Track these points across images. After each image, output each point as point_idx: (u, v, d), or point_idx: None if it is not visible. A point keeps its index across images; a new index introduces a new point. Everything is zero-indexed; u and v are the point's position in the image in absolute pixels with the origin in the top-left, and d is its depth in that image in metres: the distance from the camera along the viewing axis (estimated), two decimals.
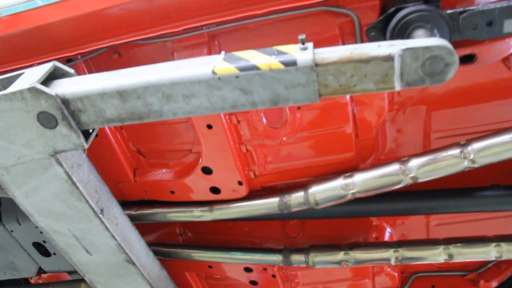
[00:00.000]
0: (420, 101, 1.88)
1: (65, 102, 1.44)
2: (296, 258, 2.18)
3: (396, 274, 2.49)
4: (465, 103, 1.88)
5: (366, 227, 2.29)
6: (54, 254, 2.49)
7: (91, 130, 1.60)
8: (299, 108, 1.74)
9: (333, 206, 2.07)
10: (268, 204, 1.96)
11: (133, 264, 2.06)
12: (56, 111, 1.45)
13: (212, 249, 2.31)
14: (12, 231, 2.42)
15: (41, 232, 2.36)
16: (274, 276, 2.42)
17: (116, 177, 2.08)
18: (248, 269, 2.42)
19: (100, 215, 1.85)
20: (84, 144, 1.53)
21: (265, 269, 2.39)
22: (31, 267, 2.64)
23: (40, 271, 2.68)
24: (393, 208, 2.07)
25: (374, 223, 2.30)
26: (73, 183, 1.73)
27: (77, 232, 1.94)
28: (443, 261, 2.09)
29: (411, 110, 1.91)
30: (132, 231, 2.07)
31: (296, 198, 1.92)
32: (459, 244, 2.08)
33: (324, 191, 1.87)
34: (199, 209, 2.07)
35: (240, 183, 1.95)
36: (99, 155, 1.97)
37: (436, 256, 2.08)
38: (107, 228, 1.90)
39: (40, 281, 3.00)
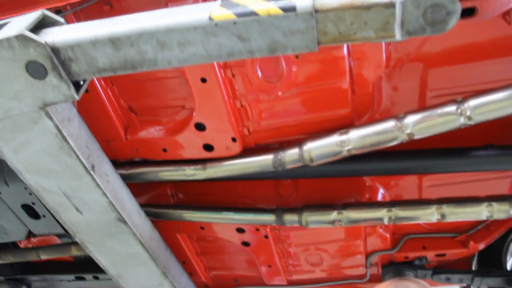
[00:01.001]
0: (417, 58, 1.86)
1: (55, 50, 1.38)
2: (289, 218, 2.17)
3: (388, 235, 2.50)
4: (463, 61, 1.86)
5: (359, 188, 2.29)
6: (44, 216, 2.45)
7: (82, 82, 1.55)
8: (297, 57, 1.70)
9: (328, 165, 2.06)
10: (262, 161, 1.94)
11: (125, 222, 2.03)
12: (46, 61, 1.40)
13: (204, 209, 2.28)
14: (0, 193, 2.37)
15: (30, 194, 2.31)
16: (266, 236, 2.41)
17: (107, 135, 2.04)
18: (240, 230, 2.41)
19: (91, 172, 1.82)
20: (75, 95, 1.49)
21: (257, 230, 2.38)
22: (20, 230, 2.59)
23: (30, 234, 2.64)
24: (387, 167, 2.06)
25: (367, 183, 2.29)
26: (63, 137, 1.68)
27: (67, 189, 1.90)
28: (435, 220, 2.09)
29: (408, 67, 1.88)
30: (124, 190, 2.03)
31: (290, 155, 1.90)
32: (451, 204, 2.09)
33: (319, 148, 1.85)
34: (192, 167, 2.04)
35: (233, 139, 1.92)
36: (90, 113, 1.92)
37: (429, 215, 2.09)
38: (98, 185, 1.86)
39: (30, 246, 2.96)
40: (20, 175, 1.86)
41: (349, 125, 1.91)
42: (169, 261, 2.39)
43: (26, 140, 1.71)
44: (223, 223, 2.35)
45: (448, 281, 2.62)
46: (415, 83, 1.94)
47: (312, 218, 2.14)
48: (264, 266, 2.66)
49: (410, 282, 2.09)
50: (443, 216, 2.09)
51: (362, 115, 1.96)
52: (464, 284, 2.90)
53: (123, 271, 2.35)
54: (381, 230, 2.47)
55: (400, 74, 1.91)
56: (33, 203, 2.39)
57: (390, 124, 1.80)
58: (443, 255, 2.60)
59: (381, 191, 2.31)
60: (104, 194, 1.90)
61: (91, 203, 1.95)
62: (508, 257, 2.83)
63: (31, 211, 2.47)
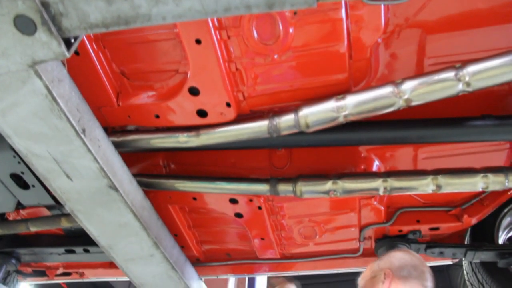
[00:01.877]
0: (415, 23, 1.82)
1: (44, 4, 1.33)
2: (283, 187, 2.14)
3: (382, 208, 2.49)
4: (462, 27, 1.83)
5: (355, 158, 2.26)
6: (33, 186, 2.39)
7: (73, 40, 1.49)
8: (295, 13, 1.65)
9: (323, 134, 2.03)
10: (257, 127, 1.90)
11: (116, 190, 1.99)
12: (35, 15, 1.34)
13: (196, 179, 2.25)
14: None
15: (19, 163, 2.26)
16: (260, 208, 2.38)
17: (98, 101, 1.98)
18: (233, 201, 2.37)
19: (82, 135, 1.77)
20: (66, 53, 1.43)
21: (251, 200, 2.35)
22: (9, 201, 2.54)
23: (19, 206, 2.59)
24: (383, 136, 2.04)
25: (362, 155, 2.27)
26: (54, 98, 1.63)
27: (57, 155, 1.85)
28: (431, 191, 2.08)
29: (406, 33, 1.85)
30: (115, 156, 1.99)
31: (286, 120, 1.86)
32: (447, 175, 2.07)
33: (315, 113, 1.82)
34: (185, 134, 2.00)
35: (228, 104, 1.88)
36: (81, 77, 1.85)
37: (425, 186, 2.08)
38: (89, 149, 1.81)
39: (19, 218, 2.91)
40: (9, 140, 1.81)
41: (345, 91, 1.87)
42: (161, 232, 2.36)
43: (14, 102, 1.65)
44: (216, 193, 2.32)
45: (441, 255, 2.61)
46: (413, 50, 1.91)
47: (306, 188, 2.11)
48: (257, 238, 2.64)
49: (398, 251, 2.09)
50: (438, 187, 2.07)
51: (359, 81, 1.93)
52: (457, 260, 2.92)
53: (114, 242, 2.31)
54: (375, 202, 2.45)
55: (398, 40, 1.87)
56: (22, 173, 2.33)
57: (387, 89, 1.77)
58: (437, 228, 2.59)
59: (376, 162, 2.29)
60: (95, 159, 1.85)
61: (81, 169, 1.91)
62: (500, 233, 2.84)
63: (20, 181, 2.41)
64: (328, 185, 2.09)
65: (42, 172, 1.95)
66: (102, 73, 1.92)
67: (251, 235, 2.62)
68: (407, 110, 2.08)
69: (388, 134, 2.04)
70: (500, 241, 2.85)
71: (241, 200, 2.36)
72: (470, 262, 2.89)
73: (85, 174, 1.93)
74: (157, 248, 2.32)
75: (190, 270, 2.72)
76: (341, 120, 1.82)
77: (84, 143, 1.79)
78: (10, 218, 2.91)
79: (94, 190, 2.01)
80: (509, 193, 2.57)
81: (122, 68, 1.96)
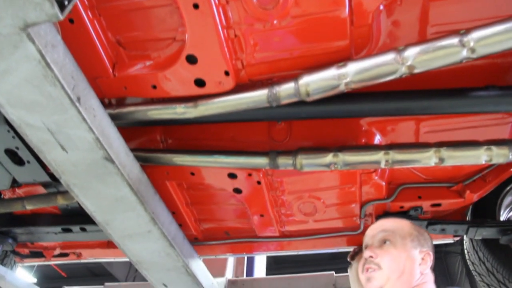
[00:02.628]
0: None
1: None
2: (283, 160, 2.10)
3: (384, 184, 2.45)
4: None
5: (355, 132, 2.22)
6: (28, 162, 2.35)
7: (66, 2, 1.45)
8: None
9: (324, 105, 2.00)
10: (256, 96, 1.85)
11: (112, 162, 1.94)
12: None
13: (195, 153, 2.20)
14: None
15: (13, 137, 2.21)
16: (259, 182, 2.34)
17: (93, 71, 1.94)
18: (232, 175, 2.33)
19: (77, 104, 1.72)
20: (59, 14, 1.38)
21: (250, 175, 2.30)
22: (4, 178, 2.49)
23: (14, 184, 2.56)
24: (386, 107, 2.00)
25: (363, 128, 2.22)
26: (47, 64, 1.58)
27: (51, 124, 1.81)
28: (433, 164, 2.04)
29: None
30: (111, 127, 1.94)
31: (286, 89, 1.81)
32: (450, 147, 2.03)
33: (316, 81, 1.77)
34: (183, 105, 1.95)
35: (226, 73, 1.83)
36: (76, 46, 1.81)
37: (427, 159, 2.04)
38: (84, 119, 1.77)
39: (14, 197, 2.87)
40: (2, 109, 1.77)
41: (346, 59, 1.82)
42: (158, 207, 2.32)
43: (6, 68, 1.60)
44: (214, 167, 2.27)
45: (443, 232, 2.58)
46: (416, 17, 1.86)
47: (307, 161, 2.07)
48: (256, 215, 2.60)
49: (404, 220, 2.08)
50: (441, 159, 2.03)
51: (361, 49, 1.88)
52: (458, 238, 2.89)
53: (111, 217, 2.27)
54: (376, 177, 2.41)
55: (400, 7, 1.82)
56: (17, 148, 2.28)
57: (389, 56, 1.73)
58: (439, 205, 2.55)
59: (378, 136, 2.25)
60: (91, 129, 1.81)
61: (76, 140, 1.86)
62: (502, 211, 2.81)
63: (15, 157, 2.37)
64: (329, 157, 2.05)
65: (36, 144, 1.91)
66: (97, 42, 1.88)
67: (250, 212, 2.58)
68: (410, 82, 2.06)
69: (390, 105, 2.00)
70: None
71: (240, 175, 2.31)
72: (472, 241, 2.86)
73: (80, 145, 1.89)
74: (155, 224, 2.28)
75: (189, 248, 2.68)
76: (342, 88, 1.78)
77: (79, 112, 1.74)
78: (6, 197, 2.88)
79: (89, 162, 1.97)
80: (510, 170, 2.54)
81: (118, 37, 1.91)
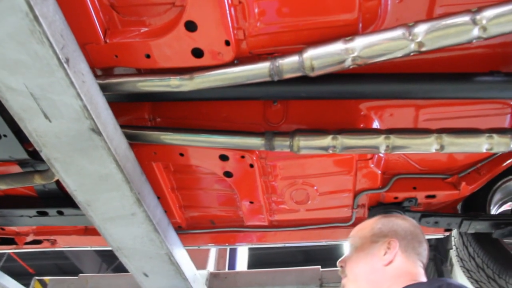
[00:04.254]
0: None
1: None
2: (280, 142, 2.00)
3: (379, 172, 2.38)
4: None
5: (354, 116, 2.14)
6: (5, 136, 2.17)
7: None
8: None
9: (325, 85, 1.93)
10: (257, 69, 1.75)
11: (99, 134, 1.81)
12: None
13: (185, 131, 2.08)
14: None
15: None
16: (251, 165, 2.23)
17: (83, 37, 1.80)
18: (224, 157, 2.21)
19: (65, 65, 1.59)
20: None
21: (242, 157, 2.19)
22: None
23: None
24: (388, 89, 1.93)
25: (362, 112, 2.15)
26: (35, 17, 1.45)
27: (35, 88, 1.67)
28: (434, 151, 1.98)
29: None
30: (100, 96, 1.81)
31: (289, 62, 1.72)
32: (451, 134, 1.98)
33: (321, 55, 1.69)
34: (178, 77, 1.84)
35: (227, 43, 1.72)
36: (66, 7, 1.66)
37: (428, 145, 1.97)
38: (72, 83, 1.63)
39: None
40: None
41: (352, 34, 1.74)
42: (144, 188, 2.19)
43: None
44: (206, 147, 2.16)
45: (436, 225, 2.52)
46: None
47: (304, 142, 1.98)
48: (246, 201, 2.49)
49: (398, 218, 1.90)
50: (442, 146, 1.97)
51: (368, 25, 1.80)
52: (449, 232, 2.85)
53: (93, 197, 2.13)
54: (372, 165, 2.33)
55: None
56: None
57: (399, 31, 1.66)
58: (434, 196, 2.49)
59: (376, 122, 2.18)
60: (78, 95, 1.67)
61: (62, 107, 1.72)
62: (491, 207, 2.77)
63: None
64: (328, 140, 1.97)
65: (17, 111, 1.76)
66: (89, 3, 1.74)
67: (240, 197, 2.46)
68: (413, 65, 2.00)
69: (393, 87, 1.93)
70: None
71: (232, 157, 2.20)
72: (461, 236, 2.81)
73: (66, 113, 1.75)
74: (140, 205, 2.15)
75: (173, 235, 2.55)
76: (349, 63, 1.70)
77: (67, 75, 1.61)
78: None
79: (74, 133, 1.83)
80: (503, 164, 2.51)
81: (112, 0, 1.79)
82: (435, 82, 1.92)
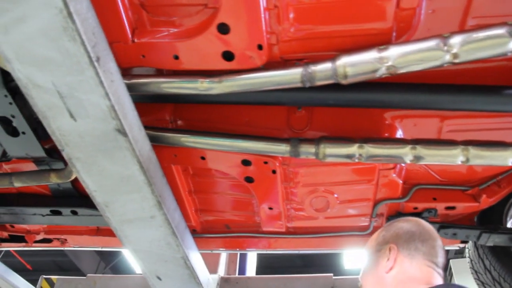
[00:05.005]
0: None
1: None
2: (305, 149, 1.97)
3: (401, 182, 2.35)
4: None
5: (378, 126, 2.12)
6: (24, 133, 2.14)
7: None
8: None
9: (353, 93, 1.91)
10: (289, 74, 1.73)
11: (125, 135, 1.78)
12: None
13: (210, 135, 2.05)
14: None
15: (10, 103, 2.02)
16: (274, 171, 2.20)
17: (111, 35, 1.76)
18: (246, 162, 2.18)
19: (96, 64, 1.56)
20: None
21: (265, 163, 2.17)
22: None
23: (3, 158, 2.35)
24: (415, 99, 1.91)
25: (386, 122, 2.13)
26: (69, 14, 1.42)
27: (63, 87, 1.64)
28: (459, 163, 1.95)
29: None
30: (127, 96, 1.79)
31: (322, 69, 1.70)
32: (478, 146, 1.95)
33: (355, 63, 1.67)
34: (207, 79, 1.81)
35: (260, 47, 1.70)
36: (96, 6, 1.64)
37: (453, 157, 1.95)
38: (101, 82, 1.60)
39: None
40: (9, 65, 1.59)
41: (386, 43, 1.72)
42: (165, 191, 2.16)
43: (21, 15, 1.44)
44: (229, 152, 2.13)
45: (454, 236, 2.50)
46: (457, 7, 1.77)
47: (330, 150, 1.95)
48: (265, 207, 2.46)
49: (400, 221, 1.84)
50: (467, 159, 1.95)
51: (401, 35, 1.77)
52: (464, 245, 2.83)
53: (113, 198, 2.10)
54: (394, 175, 2.31)
55: None
56: (13, 116, 2.08)
57: (434, 42, 1.64)
58: (453, 208, 2.47)
59: (400, 132, 2.15)
60: (107, 95, 1.65)
61: (89, 106, 1.69)
62: (508, 218, 2.75)
63: (8, 127, 2.16)
64: (354, 148, 1.94)
65: (41, 108, 1.73)
66: (119, 2, 1.72)
67: (259, 202, 2.44)
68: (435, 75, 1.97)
69: (421, 97, 1.91)
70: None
71: (255, 162, 2.17)
72: (477, 249, 2.79)
73: (92, 113, 1.72)
74: (160, 208, 2.12)
75: (189, 239, 2.52)
76: (382, 72, 1.67)
77: (97, 74, 1.58)
78: None
79: (99, 133, 1.80)
80: None
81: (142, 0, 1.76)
82: (463, 94, 1.90)
